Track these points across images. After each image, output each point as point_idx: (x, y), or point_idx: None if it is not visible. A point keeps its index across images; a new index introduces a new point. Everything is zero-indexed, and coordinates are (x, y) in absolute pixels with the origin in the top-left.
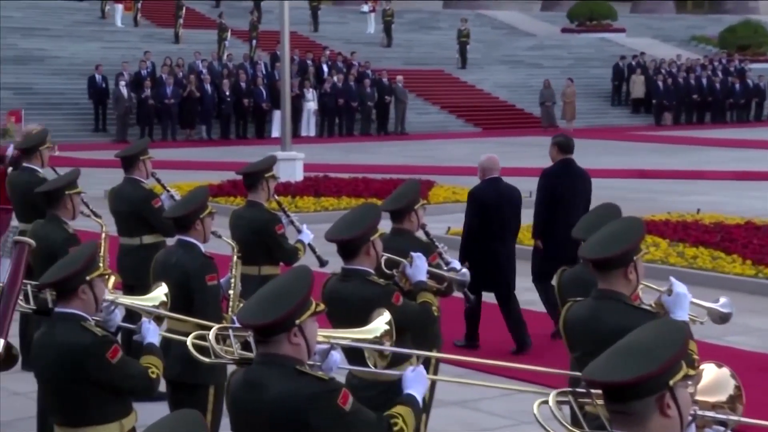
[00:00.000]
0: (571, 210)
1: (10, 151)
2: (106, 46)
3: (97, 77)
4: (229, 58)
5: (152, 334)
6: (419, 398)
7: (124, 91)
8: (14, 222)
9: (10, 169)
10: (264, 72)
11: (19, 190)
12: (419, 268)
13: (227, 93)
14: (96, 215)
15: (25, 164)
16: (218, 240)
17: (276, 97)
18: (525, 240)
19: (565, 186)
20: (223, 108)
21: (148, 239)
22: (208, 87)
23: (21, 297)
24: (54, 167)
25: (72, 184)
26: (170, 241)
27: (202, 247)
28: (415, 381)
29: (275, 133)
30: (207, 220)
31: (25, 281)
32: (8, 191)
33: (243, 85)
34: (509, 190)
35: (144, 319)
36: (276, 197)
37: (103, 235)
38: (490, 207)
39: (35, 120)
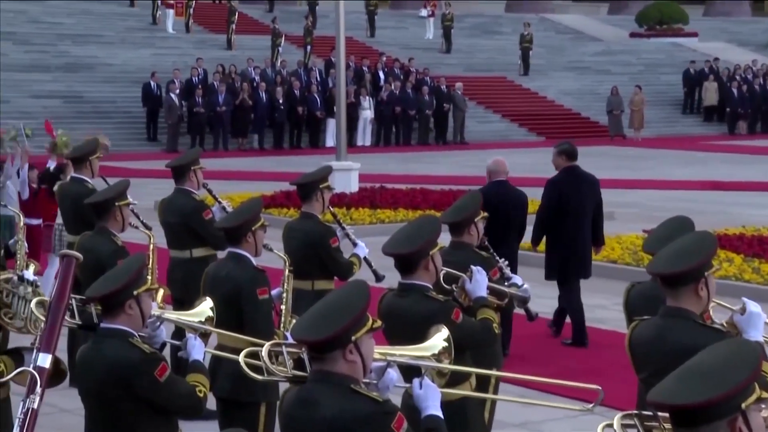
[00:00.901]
0: (579, 216)
1: (51, 164)
2: (158, 52)
3: (153, 85)
4: (282, 64)
5: (198, 350)
6: (439, 413)
7: (175, 99)
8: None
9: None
10: (318, 79)
11: (69, 201)
12: (479, 283)
13: (281, 101)
14: (146, 227)
15: (74, 174)
16: (270, 253)
17: (331, 105)
18: (525, 245)
19: (571, 192)
20: (276, 116)
21: (198, 252)
22: (262, 94)
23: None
24: (104, 177)
25: (121, 195)
26: (221, 255)
27: (254, 260)
28: (428, 397)
29: (330, 142)
30: (259, 232)
31: (72, 295)
32: (58, 202)
33: (297, 92)
34: (515, 194)
35: (189, 335)
36: (331, 209)
37: (152, 247)
38: (495, 209)
39: (84, 130)
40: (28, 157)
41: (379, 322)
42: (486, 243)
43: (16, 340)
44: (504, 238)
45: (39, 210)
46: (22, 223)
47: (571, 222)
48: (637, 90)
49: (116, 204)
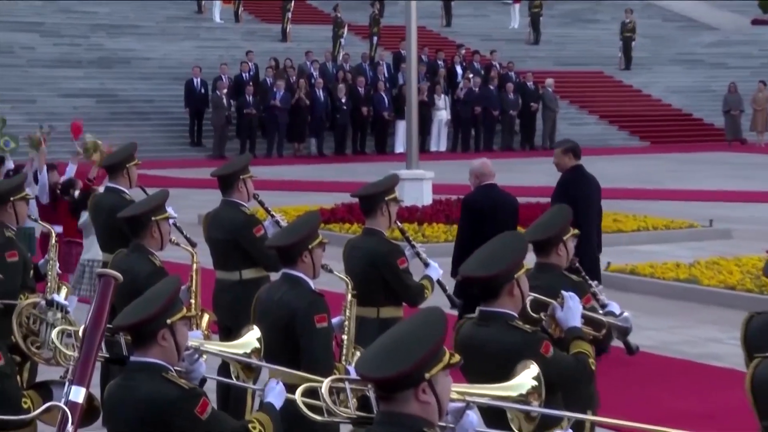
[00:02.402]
0: (587, 218)
1: (70, 170)
2: (203, 45)
3: (196, 81)
4: (345, 58)
5: (275, 395)
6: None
7: (223, 98)
8: (87, 255)
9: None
10: (386, 75)
11: (102, 215)
12: (572, 311)
13: (343, 100)
14: (190, 243)
15: (109, 184)
16: (330, 275)
17: (400, 104)
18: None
19: (579, 194)
20: (337, 118)
21: (248, 273)
22: (321, 93)
23: None
24: (143, 187)
25: (159, 209)
26: (274, 277)
27: (311, 283)
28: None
29: (399, 147)
30: (317, 251)
31: None
32: (91, 216)
33: (361, 90)
34: (505, 198)
35: (272, 379)
36: (399, 224)
37: (196, 267)
38: (484, 215)
39: (119, 133)
40: (45, 158)
41: (456, 357)
42: (577, 264)
43: (44, 373)
44: None
45: (61, 218)
46: (53, 240)
47: (581, 228)
48: (762, 86)
49: (153, 218)
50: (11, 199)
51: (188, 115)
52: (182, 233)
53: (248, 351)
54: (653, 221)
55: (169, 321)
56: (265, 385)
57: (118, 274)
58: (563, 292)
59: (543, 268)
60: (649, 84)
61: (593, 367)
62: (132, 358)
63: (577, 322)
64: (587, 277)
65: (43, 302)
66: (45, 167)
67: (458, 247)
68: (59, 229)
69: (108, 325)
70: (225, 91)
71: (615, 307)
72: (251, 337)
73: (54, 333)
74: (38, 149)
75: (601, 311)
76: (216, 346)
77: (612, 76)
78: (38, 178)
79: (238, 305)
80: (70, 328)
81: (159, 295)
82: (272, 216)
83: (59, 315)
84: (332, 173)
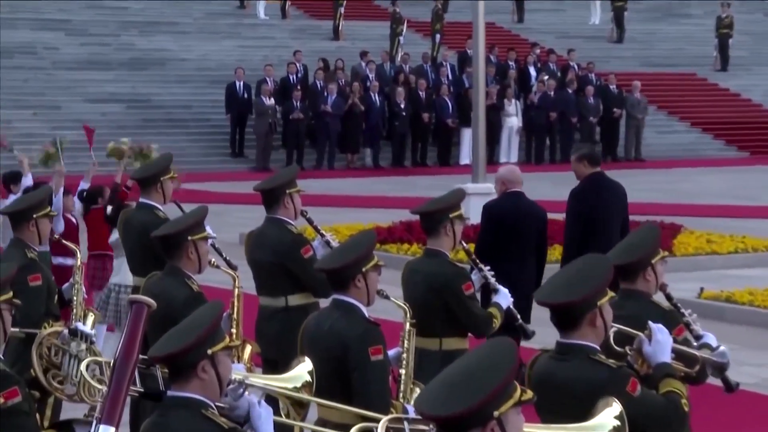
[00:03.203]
0: (608, 230)
1: (83, 185)
2: (246, 44)
3: (238, 85)
4: (404, 59)
5: (265, 423)
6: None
7: (267, 103)
8: (115, 278)
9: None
10: (450, 77)
11: (133, 234)
12: (661, 344)
13: (401, 105)
14: (230, 266)
15: (142, 199)
16: (386, 301)
17: (466, 110)
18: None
19: (598, 203)
20: (395, 125)
21: (295, 299)
22: (376, 97)
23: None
24: (179, 202)
25: (197, 227)
26: (324, 303)
27: (365, 311)
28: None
29: (465, 158)
30: (372, 274)
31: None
32: (121, 235)
33: (422, 94)
34: (532, 207)
35: (252, 398)
36: (464, 245)
37: (237, 292)
38: (507, 224)
39: (154, 142)
40: (64, 178)
41: (529, 394)
42: (667, 291)
43: (69, 411)
44: (520, 259)
45: (87, 229)
46: (79, 262)
47: (601, 240)
48: None
49: (190, 238)
50: (33, 216)
51: (229, 122)
52: (222, 255)
53: (299, 385)
54: (752, 242)
55: (210, 351)
56: (250, 411)
57: (152, 301)
58: (651, 323)
59: (629, 295)
60: (749, 87)
61: (686, 409)
62: (169, 393)
63: (666, 357)
64: (679, 305)
65: (65, 331)
66: (62, 190)
67: (478, 255)
68: (71, 261)
69: (143, 356)
70: (270, 95)
71: (711, 339)
72: (302, 370)
73: (83, 365)
74: (52, 164)
75: (695, 343)
76: (262, 379)
77: (706, 78)
78: (52, 200)
79: (283, 335)
80: (100, 359)
81: (199, 322)
82: (322, 235)
83: (83, 346)
84: (389, 187)
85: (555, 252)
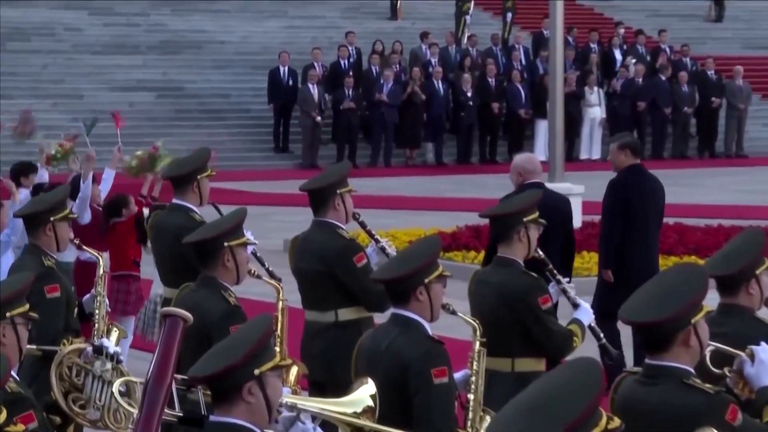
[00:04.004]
0: (646, 227)
1: (107, 179)
2: (292, 25)
3: (282, 71)
4: (471, 41)
5: None
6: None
7: (315, 91)
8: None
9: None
10: (524, 62)
11: (165, 240)
12: (765, 365)
13: (468, 94)
14: (273, 276)
15: (175, 200)
16: (452, 317)
17: (541, 99)
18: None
19: (638, 198)
20: (461, 117)
21: (346, 314)
22: (440, 85)
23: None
24: (216, 204)
25: (235, 232)
26: (380, 318)
27: (428, 327)
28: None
29: (540, 154)
30: (436, 286)
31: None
32: (152, 240)
33: (492, 81)
34: (554, 201)
35: (299, 421)
36: (540, 253)
37: (281, 306)
38: None
39: (188, 136)
40: (94, 163)
41: (616, 421)
42: None
43: None
44: (547, 255)
45: (108, 243)
46: (101, 271)
47: (639, 236)
48: None
49: (227, 244)
50: (51, 219)
51: (272, 113)
52: (263, 264)
53: (359, 410)
54: None
55: (257, 371)
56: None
57: (188, 314)
58: (752, 346)
59: (728, 311)
60: None
61: None
62: (211, 419)
63: None
64: None
65: (89, 349)
66: (91, 176)
67: (488, 256)
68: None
69: (182, 377)
70: (318, 82)
71: None
72: (364, 393)
73: (116, 386)
74: (69, 159)
75: None
76: (317, 403)
77: None
78: (81, 187)
79: (332, 354)
80: (135, 379)
81: (246, 338)
82: (377, 241)
83: (109, 365)
84: (454, 187)
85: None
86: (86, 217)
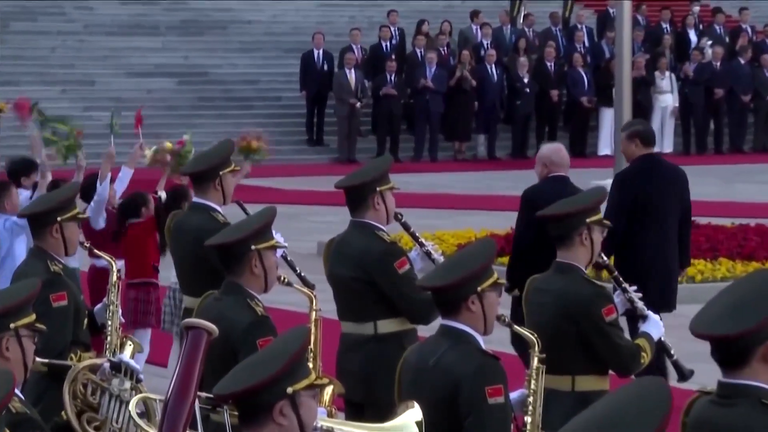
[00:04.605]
0: (662, 223)
1: (124, 177)
2: (327, 2)
3: (317, 55)
4: (528, 21)
5: None
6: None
7: (352, 77)
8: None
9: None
10: (587, 45)
11: (185, 242)
12: None
13: (525, 80)
14: (305, 283)
15: (196, 199)
16: (508, 330)
17: (606, 86)
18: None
19: (651, 190)
20: (517, 105)
21: (387, 326)
22: (493, 70)
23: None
24: (242, 203)
25: (263, 234)
26: (424, 331)
27: (482, 341)
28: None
29: (604, 148)
30: (489, 295)
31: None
32: (170, 243)
33: (550, 66)
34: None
35: None
36: (604, 258)
37: (314, 316)
38: None
39: (211, 127)
40: (113, 160)
41: None
42: None
43: None
44: None
45: (124, 247)
46: (115, 278)
47: (651, 232)
48: None
49: (254, 247)
50: (58, 219)
51: (305, 101)
52: (294, 269)
53: None
54: None
55: (290, 390)
56: None
57: (213, 326)
58: None
59: None
60: None
61: None
62: None
63: None
64: None
65: (106, 365)
66: (109, 176)
67: (515, 255)
68: (119, 264)
69: (206, 395)
70: (357, 67)
71: None
72: (409, 419)
73: (132, 403)
74: (77, 152)
75: None
76: (357, 428)
77: None
78: (97, 188)
79: (371, 371)
80: (153, 396)
81: (279, 352)
82: (421, 245)
83: (127, 384)
84: (508, 184)
85: None
86: (101, 222)
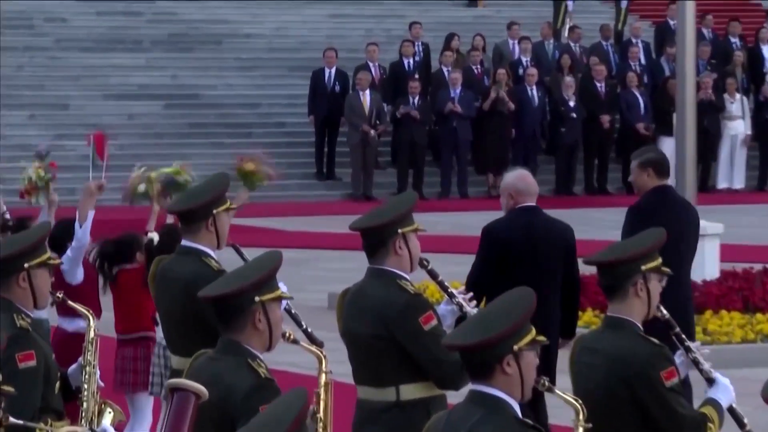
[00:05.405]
0: (678, 258)
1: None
2: (340, 13)
3: (328, 74)
4: (574, 35)
5: None
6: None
7: (366, 99)
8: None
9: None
10: (643, 62)
11: (172, 293)
12: None
13: (571, 104)
14: (314, 341)
15: (185, 242)
16: (549, 394)
17: (666, 110)
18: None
19: (666, 224)
20: (561, 133)
21: (410, 391)
22: (534, 92)
23: None
24: (238, 247)
25: (266, 284)
26: (455, 397)
27: (518, 408)
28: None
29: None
30: (527, 355)
31: None
32: (155, 293)
33: (601, 87)
34: (552, 228)
35: None
36: (663, 311)
37: (323, 379)
38: (516, 252)
39: (203, 158)
40: (95, 197)
41: None
42: None
43: None
44: (542, 297)
45: (115, 298)
46: (92, 333)
47: (675, 271)
48: None
49: (258, 299)
50: (26, 266)
51: (314, 127)
52: (300, 325)
53: None
54: None
55: None
56: None
57: (201, 388)
58: None
59: None
60: None
61: None
62: None
63: None
64: None
65: None
66: (91, 216)
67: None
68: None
69: None
70: (373, 88)
71: None
72: None
73: None
74: (47, 192)
75: None
76: None
77: None
78: (77, 235)
79: None
80: None
81: (275, 420)
82: (451, 295)
83: None
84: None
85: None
86: (78, 275)
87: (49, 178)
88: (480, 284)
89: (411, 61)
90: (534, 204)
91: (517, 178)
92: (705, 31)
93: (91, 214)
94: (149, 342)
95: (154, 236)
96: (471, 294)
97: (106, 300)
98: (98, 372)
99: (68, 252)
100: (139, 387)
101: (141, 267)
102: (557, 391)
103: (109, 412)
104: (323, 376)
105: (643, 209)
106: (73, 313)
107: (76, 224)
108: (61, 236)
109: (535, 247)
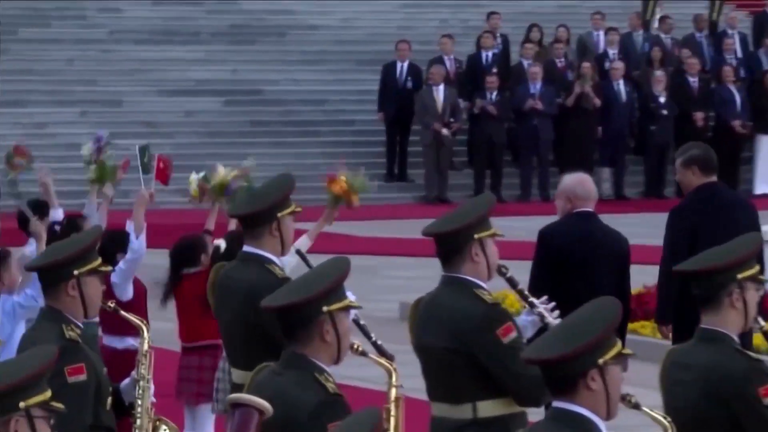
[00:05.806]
0: None
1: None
2: (411, 2)
3: (400, 68)
4: (664, 25)
5: None
6: None
7: (439, 96)
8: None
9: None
10: (741, 55)
11: (233, 303)
12: None
13: (661, 100)
14: (384, 354)
15: (247, 247)
16: (637, 412)
17: (764, 107)
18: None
19: (712, 225)
20: (652, 131)
21: (489, 408)
22: (621, 87)
23: None
24: (303, 253)
25: (333, 293)
26: (537, 413)
27: (604, 428)
28: None
29: (761, 184)
30: (613, 369)
31: None
32: (214, 303)
33: (693, 81)
34: (608, 235)
35: None
36: (761, 322)
37: (394, 393)
38: (571, 257)
39: (266, 158)
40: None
41: None
42: None
43: None
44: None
45: (178, 305)
46: (146, 346)
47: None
48: None
49: (326, 309)
50: (75, 273)
51: (385, 126)
52: (370, 337)
53: None
54: None
55: None
56: None
57: (265, 404)
58: None
59: None
60: None
61: None
62: None
63: None
64: None
65: None
66: (144, 227)
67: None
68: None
69: None
70: (447, 83)
71: None
72: None
73: None
74: (112, 181)
75: None
76: None
77: None
78: (132, 244)
79: None
80: None
81: None
82: (532, 305)
83: None
84: (640, 231)
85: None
86: (129, 291)
87: (116, 166)
88: (537, 291)
89: (489, 54)
90: (592, 209)
91: (577, 182)
92: None
93: (144, 226)
94: (216, 351)
95: (221, 243)
96: (553, 304)
97: (157, 311)
98: (152, 387)
99: (121, 264)
100: (202, 399)
101: (206, 270)
102: (644, 409)
103: (164, 429)
104: (393, 390)
105: (685, 209)
106: (121, 331)
107: (131, 235)
108: (111, 247)
109: (592, 256)
